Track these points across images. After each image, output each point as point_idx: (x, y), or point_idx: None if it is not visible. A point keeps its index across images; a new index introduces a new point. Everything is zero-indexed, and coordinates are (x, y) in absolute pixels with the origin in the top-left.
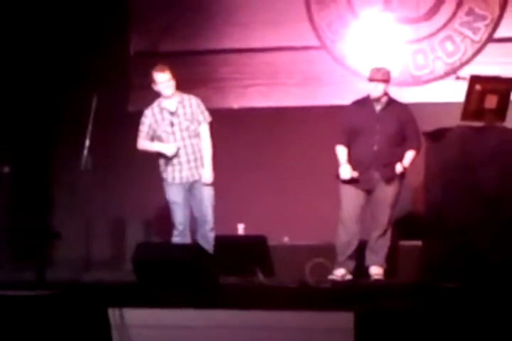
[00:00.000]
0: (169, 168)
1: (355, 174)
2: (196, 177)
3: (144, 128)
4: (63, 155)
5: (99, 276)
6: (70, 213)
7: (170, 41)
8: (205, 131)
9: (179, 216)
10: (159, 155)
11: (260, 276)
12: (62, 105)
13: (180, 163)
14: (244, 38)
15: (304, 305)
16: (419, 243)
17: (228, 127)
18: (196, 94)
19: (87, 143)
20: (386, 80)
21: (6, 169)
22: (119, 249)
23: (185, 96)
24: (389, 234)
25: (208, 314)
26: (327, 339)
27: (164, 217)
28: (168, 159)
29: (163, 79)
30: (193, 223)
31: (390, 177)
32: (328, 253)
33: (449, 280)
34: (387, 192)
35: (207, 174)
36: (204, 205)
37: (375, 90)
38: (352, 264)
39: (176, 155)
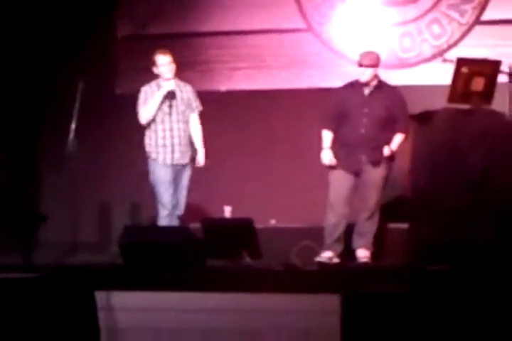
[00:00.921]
0: (161, 149)
1: (334, 161)
2: (184, 161)
3: (141, 102)
4: (50, 138)
5: (85, 259)
6: (56, 196)
7: (156, 24)
8: (196, 118)
9: (168, 196)
10: (150, 136)
11: (247, 259)
12: (48, 89)
13: (172, 145)
14: (231, 20)
15: (290, 288)
16: (405, 225)
17: (215, 110)
18: (183, 77)
19: (73, 126)
20: (374, 65)
21: None
22: (106, 231)
23: (181, 83)
24: (376, 216)
25: (194, 297)
26: (313, 321)
27: (151, 200)
28: (161, 141)
29: (164, 62)
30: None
31: (377, 160)
32: (315, 236)
33: (436, 262)
34: (374, 175)
35: (201, 157)
36: (180, 192)
37: (363, 75)
38: (339, 247)
39: (170, 136)
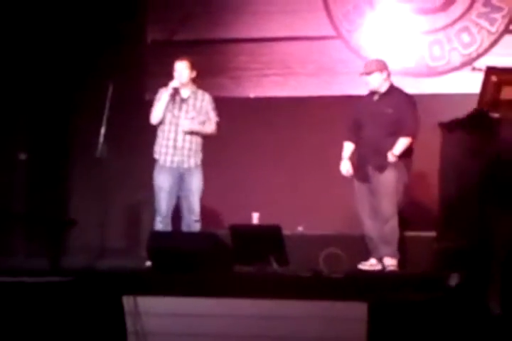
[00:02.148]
0: (163, 149)
1: (350, 172)
2: (186, 166)
3: (155, 103)
4: (79, 142)
5: (113, 264)
6: (85, 200)
7: (187, 30)
8: (213, 128)
9: (164, 203)
10: (158, 135)
11: (274, 265)
12: (78, 92)
13: (175, 147)
14: (260, 27)
15: (317, 295)
16: (433, 234)
17: (244, 116)
18: (213, 83)
19: (103, 130)
20: (371, 72)
21: (23, 156)
22: (134, 236)
23: (200, 91)
24: (394, 222)
25: (221, 303)
26: (340, 329)
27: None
28: (164, 142)
29: (178, 67)
30: (178, 212)
31: (382, 166)
32: (342, 243)
33: (462, 271)
34: (381, 182)
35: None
36: (192, 195)
37: (368, 83)
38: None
39: (174, 139)
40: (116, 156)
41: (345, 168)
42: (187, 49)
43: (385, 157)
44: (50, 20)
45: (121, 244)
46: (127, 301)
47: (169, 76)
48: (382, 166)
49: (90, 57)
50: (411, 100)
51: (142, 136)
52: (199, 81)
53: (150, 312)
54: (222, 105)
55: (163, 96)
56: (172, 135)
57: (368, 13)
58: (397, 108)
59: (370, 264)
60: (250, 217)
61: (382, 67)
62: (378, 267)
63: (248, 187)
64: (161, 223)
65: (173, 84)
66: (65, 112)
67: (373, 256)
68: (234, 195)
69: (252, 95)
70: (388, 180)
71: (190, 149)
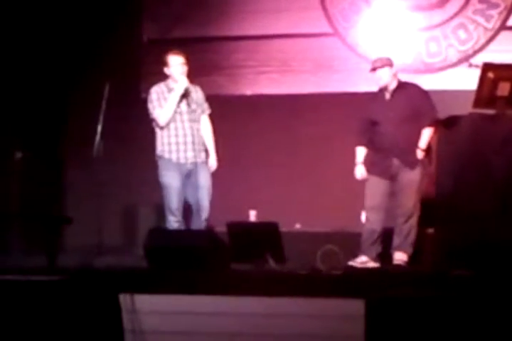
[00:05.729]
0: (174, 147)
1: (365, 176)
2: (198, 160)
3: (155, 104)
4: (75, 141)
5: (110, 262)
6: (82, 198)
7: (183, 28)
8: (207, 120)
9: (175, 201)
10: (162, 135)
11: (271, 263)
12: (74, 91)
13: (185, 143)
14: (257, 24)
15: (314, 292)
16: (431, 230)
17: (241, 114)
18: (209, 81)
19: (99, 129)
20: (386, 65)
21: (18, 155)
22: (131, 234)
23: (191, 84)
24: (414, 219)
25: (218, 300)
26: (338, 326)
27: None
28: (173, 139)
29: (177, 62)
30: (187, 211)
31: (412, 162)
32: (339, 240)
33: (460, 267)
34: (410, 178)
35: (213, 160)
36: (199, 193)
37: (380, 79)
38: (374, 251)
39: (183, 134)
40: (113, 155)
41: (360, 172)
42: (183, 47)
43: (413, 153)
44: (46, 19)
45: (118, 242)
46: (124, 299)
47: (166, 74)
48: (413, 163)
49: (86, 55)
50: (423, 90)
51: (139, 134)
52: (195, 79)
53: (147, 310)
54: (218, 103)
55: (172, 97)
56: (180, 131)
57: (364, 10)
58: (414, 101)
59: (361, 262)
60: (247, 215)
61: (391, 62)
62: (369, 264)
63: (245, 184)
64: (176, 223)
65: (183, 84)
66: (61, 111)
67: (365, 254)
68: (231, 193)
69: (248, 93)
70: (417, 177)
71: (199, 143)
